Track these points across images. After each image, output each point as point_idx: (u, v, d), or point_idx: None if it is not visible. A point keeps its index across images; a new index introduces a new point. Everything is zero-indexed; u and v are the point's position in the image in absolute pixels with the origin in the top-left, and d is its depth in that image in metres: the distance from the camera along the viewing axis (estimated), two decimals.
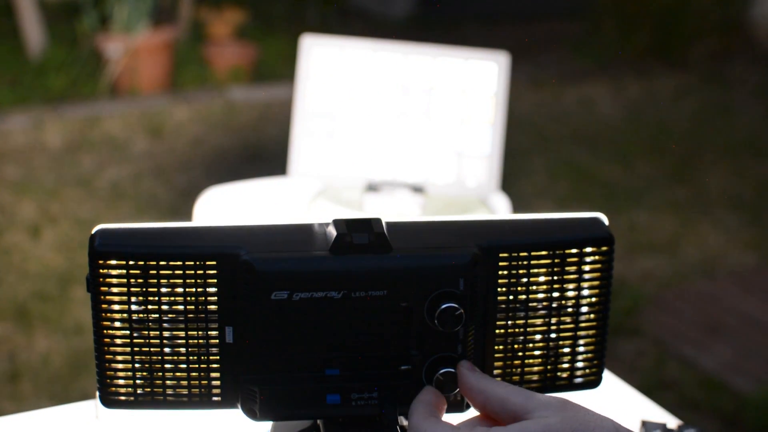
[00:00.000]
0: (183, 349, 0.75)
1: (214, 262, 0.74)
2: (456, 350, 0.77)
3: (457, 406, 0.78)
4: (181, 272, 0.74)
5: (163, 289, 0.74)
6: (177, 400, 0.76)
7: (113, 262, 0.73)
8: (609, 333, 0.82)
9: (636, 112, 5.38)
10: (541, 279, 0.78)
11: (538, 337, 0.79)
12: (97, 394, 0.76)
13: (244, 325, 0.74)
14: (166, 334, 0.74)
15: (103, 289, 0.74)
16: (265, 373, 0.75)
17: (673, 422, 1.09)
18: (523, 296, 0.78)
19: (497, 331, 0.79)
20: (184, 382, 0.76)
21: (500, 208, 1.82)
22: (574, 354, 0.81)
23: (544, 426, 0.68)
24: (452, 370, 0.76)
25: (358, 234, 0.75)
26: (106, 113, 4.91)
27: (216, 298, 0.74)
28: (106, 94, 5.14)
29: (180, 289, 0.74)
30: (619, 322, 3.12)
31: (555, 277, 0.78)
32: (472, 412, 0.77)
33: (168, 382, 0.75)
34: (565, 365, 0.81)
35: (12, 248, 3.53)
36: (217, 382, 0.76)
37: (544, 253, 0.78)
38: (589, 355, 0.81)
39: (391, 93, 1.81)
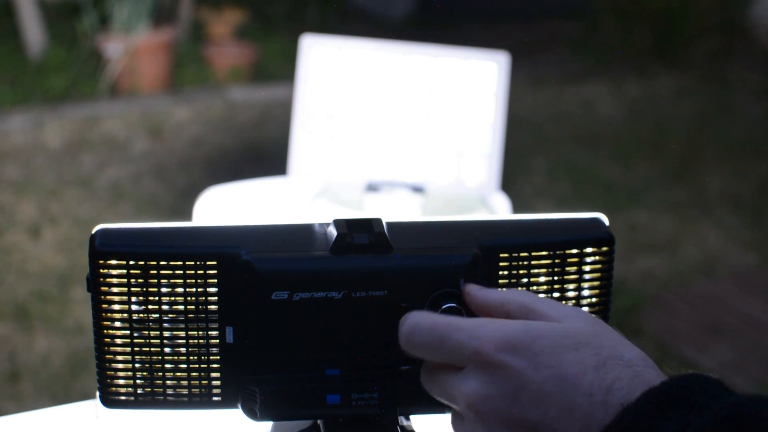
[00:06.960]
0: (183, 349, 0.75)
1: (215, 262, 0.74)
2: None
3: None
4: (181, 272, 0.74)
5: (164, 289, 0.74)
6: (177, 400, 0.76)
7: (113, 262, 0.73)
8: None
9: (636, 112, 5.37)
10: (542, 279, 0.78)
11: None
12: (97, 394, 0.76)
13: (245, 325, 0.74)
14: (166, 334, 0.74)
15: (103, 289, 0.74)
16: (266, 373, 0.75)
17: None
18: None
19: None
20: (185, 382, 0.76)
21: (500, 208, 1.82)
22: None
23: (574, 331, 0.65)
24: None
25: (359, 234, 0.74)
26: (106, 113, 4.91)
27: (216, 298, 0.74)
28: (106, 94, 5.13)
29: (180, 289, 0.74)
30: (619, 322, 3.11)
31: (555, 278, 0.78)
32: None
33: (168, 382, 0.75)
34: None
35: (12, 248, 3.53)
36: (218, 382, 0.76)
37: (544, 253, 0.78)
38: None
39: (391, 93, 1.81)
